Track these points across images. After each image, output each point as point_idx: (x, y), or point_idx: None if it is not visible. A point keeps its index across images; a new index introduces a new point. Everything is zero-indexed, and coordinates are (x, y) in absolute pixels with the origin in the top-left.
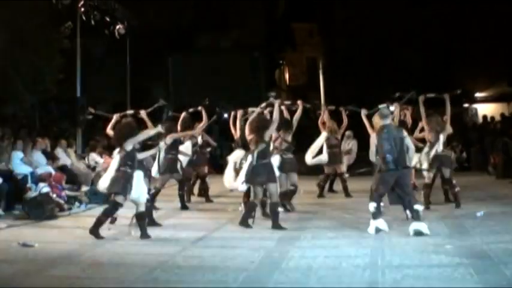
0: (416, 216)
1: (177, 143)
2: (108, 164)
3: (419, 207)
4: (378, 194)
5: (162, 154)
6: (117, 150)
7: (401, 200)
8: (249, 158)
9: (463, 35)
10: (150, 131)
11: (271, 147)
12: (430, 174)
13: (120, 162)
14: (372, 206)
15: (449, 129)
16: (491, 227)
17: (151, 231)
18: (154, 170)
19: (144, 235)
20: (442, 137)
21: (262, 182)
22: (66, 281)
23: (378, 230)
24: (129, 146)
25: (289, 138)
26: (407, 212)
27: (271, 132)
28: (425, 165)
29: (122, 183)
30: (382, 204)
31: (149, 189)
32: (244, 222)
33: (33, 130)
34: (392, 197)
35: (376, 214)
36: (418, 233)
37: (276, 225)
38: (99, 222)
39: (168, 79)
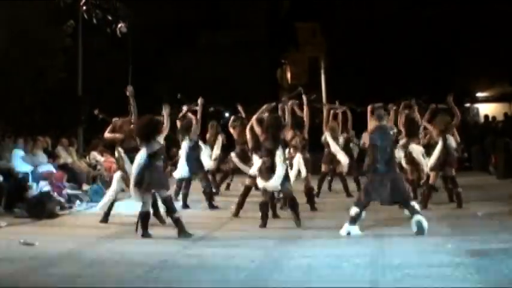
0: (415, 211)
1: (198, 140)
2: (110, 163)
3: (414, 203)
4: (364, 201)
5: (185, 153)
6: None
7: (395, 200)
8: (280, 155)
9: (464, 34)
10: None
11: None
12: (432, 174)
13: (156, 157)
14: (354, 211)
15: (456, 135)
16: (492, 226)
17: (152, 229)
18: (183, 171)
19: (146, 234)
20: (451, 138)
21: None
22: (66, 280)
23: (349, 234)
24: (161, 140)
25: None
26: (406, 211)
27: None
28: (429, 164)
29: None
30: (363, 213)
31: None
32: (264, 224)
33: (35, 128)
34: (384, 198)
35: (355, 220)
36: (419, 226)
37: (298, 219)
38: (179, 223)
39: (170, 77)
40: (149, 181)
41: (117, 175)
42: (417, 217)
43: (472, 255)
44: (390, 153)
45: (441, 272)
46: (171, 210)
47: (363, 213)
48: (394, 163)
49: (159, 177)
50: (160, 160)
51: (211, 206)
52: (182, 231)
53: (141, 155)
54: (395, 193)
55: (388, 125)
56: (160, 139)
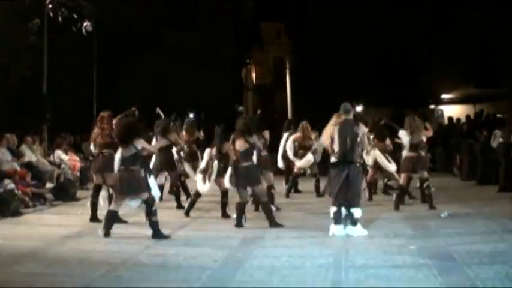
0: (351, 220)
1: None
2: (74, 162)
3: (357, 212)
4: (334, 197)
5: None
6: (120, 148)
7: (346, 197)
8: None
9: (429, 36)
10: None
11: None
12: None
13: (131, 162)
14: (332, 210)
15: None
16: (455, 228)
17: (116, 229)
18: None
19: (107, 233)
20: (406, 140)
21: (245, 185)
22: (29, 278)
23: (334, 234)
24: (139, 145)
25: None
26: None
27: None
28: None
29: (146, 181)
30: (343, 210)
31: None
32: (239, 224)
33: None
34: (340, 194)
35: (335, 219)
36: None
37: (274, 223)
38: (155, 225)
39: (135, 77)
40: (120, 185)
41: (102, 194)
42: (352, 229)
43: (435, 256)
44: (349, 147)
45: (404, 273)
46: (150, 212)
47: (343, 210)
48: (351, 157)
49: (132, 182)
50: (136, 164)
51: (179, 206)
52: (158, 234)
53: (117, 158)
54: (348, 191)
55: (352, 121)
56: (139, 144)
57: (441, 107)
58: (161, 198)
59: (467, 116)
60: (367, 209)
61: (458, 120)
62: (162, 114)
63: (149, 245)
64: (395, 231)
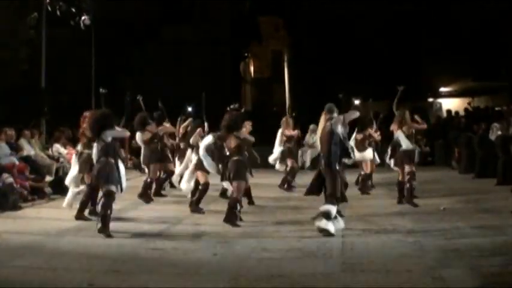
0: (320, 214)
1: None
2: (72, 155)
3: (327, 207)
4: (307, 192)
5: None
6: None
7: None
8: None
9: (428, 29)
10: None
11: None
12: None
13: (105, 153)
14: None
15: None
16: (454, 221)
17: (114, 223)
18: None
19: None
20: (401, 133)
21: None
22: (28, 272)
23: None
24: (109, 137)
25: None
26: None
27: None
28: (391, 162)
29: (113, 173)
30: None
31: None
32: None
33: None
34: (312, 188)
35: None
36: (321, 231)
37: (229, 219)
38: (104, 219)
39: (133, 71)
40: (95, 176)
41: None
42: (321, 223)
43: (433, 250)
44: (324, 142)
45: (403, 267)
46: (105, 205)
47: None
48: (328, 154)
49: (104, 172)
50: (109, 155)
51: (147, 197)
52: (104, 229)
53: (94, 152)
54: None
55: (337, 117)
56: (108, 136)
57: (440, 100)
58: (173, 186)
59: (465, 109)
60: (366, 203)
61: (457, 113)
62: (142, 105)
63: (148, 239)
64: (394, 225)
